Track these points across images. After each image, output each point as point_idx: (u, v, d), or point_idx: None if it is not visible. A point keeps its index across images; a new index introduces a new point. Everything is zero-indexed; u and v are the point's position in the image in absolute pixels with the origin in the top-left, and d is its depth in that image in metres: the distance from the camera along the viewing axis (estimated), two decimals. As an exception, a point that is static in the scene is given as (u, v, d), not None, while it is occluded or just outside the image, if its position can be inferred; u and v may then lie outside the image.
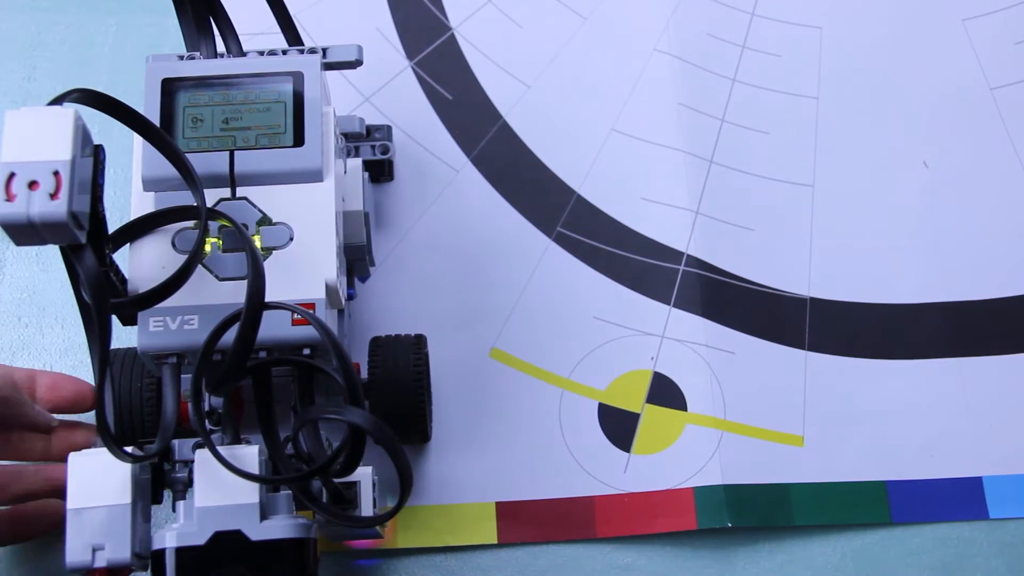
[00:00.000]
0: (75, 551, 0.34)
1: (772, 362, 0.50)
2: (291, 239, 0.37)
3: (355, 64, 0.44)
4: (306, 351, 0.37)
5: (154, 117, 0.38)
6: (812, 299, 0.51)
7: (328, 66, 0.43)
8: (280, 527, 0.35)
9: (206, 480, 0.35)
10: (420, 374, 0.43)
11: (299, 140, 0.38)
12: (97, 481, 0.35)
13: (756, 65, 0.56)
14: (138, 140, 0.37)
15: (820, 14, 0.57)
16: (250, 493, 0.35)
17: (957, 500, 0.48)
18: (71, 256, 0.32)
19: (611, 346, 0.50)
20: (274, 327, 0.36)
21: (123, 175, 0.38)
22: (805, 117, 0.55)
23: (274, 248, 0.37)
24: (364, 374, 0.43)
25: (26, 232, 0.30)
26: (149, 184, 0.38)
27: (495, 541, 0.46)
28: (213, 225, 0.37)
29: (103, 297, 0.31)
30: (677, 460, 0.47)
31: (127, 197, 0.39)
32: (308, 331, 0.36)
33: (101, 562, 0.34)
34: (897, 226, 0.53)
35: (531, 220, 0.52)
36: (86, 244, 0.31)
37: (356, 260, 0.45)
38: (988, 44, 0.56)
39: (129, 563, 0.35)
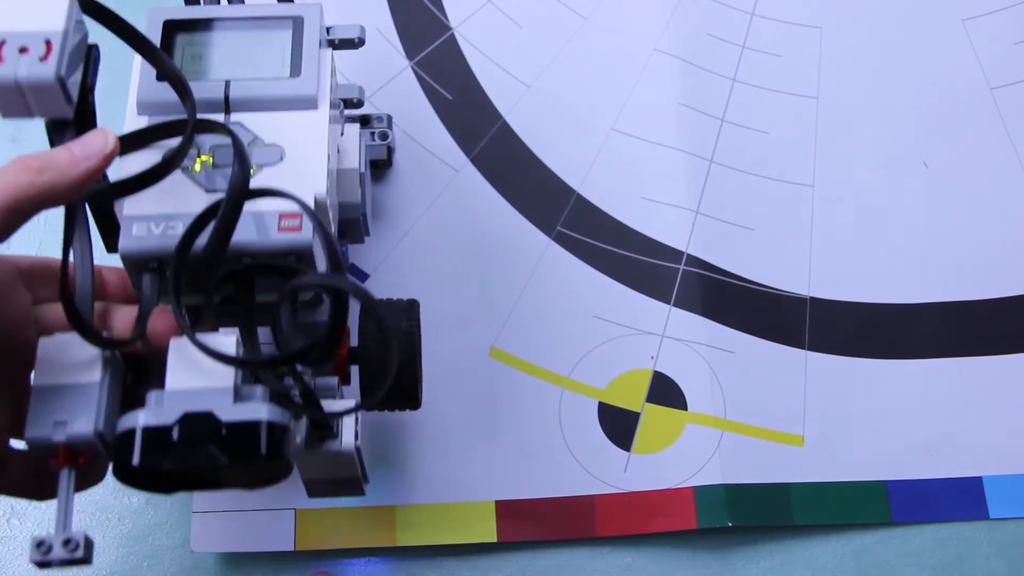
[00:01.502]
0: (36, 425, 0.32)
1: (772, 362, 0.50)
2: (282, 158, 0.37)
3: (358, 43, 0.44)
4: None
5: None
6: (812, 299, 0.51)
7: (330, 44, 0.44)
8: (254, 409, 0.32)
9: (179, 365, 0.33)
10: (413, 337, 0.41)
11: (296, 71, 0.39)
12: (66, 361, 0.33)
13: (756, 65, 0.56)
14: (136, 65, 0.38)
15: (820, 14, 0.57)
16: (224, 377, 0.33)
17: (957, 500, 0.48)
18: (55, 134, 0.31)
19: (611, 345, 0.50)
20: (260, 232, 0.35)
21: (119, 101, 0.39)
22: (805, 117, 0.55)
23: (264, 165, 0.37)
24: (354, 340, 0.42)
25: (13, 97, 0.30)
26: (144, 107, 0.38)
27: (494, 540, 0.46)
28: (205, 146, 0.37)
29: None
30: (677, 459, 0.47)
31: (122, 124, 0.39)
32: (294, 237, 0.35)
33: (61, 436, 0.32)
34: (897, 226, 0.53)
35: (531, 220, 0.52)
36: (71, 122, 0.31)
37: (350, 225, 0.45)
38: (988, 44, 0.56)
39: (91, 440, 0.32)
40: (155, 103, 0.38)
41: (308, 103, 0.38)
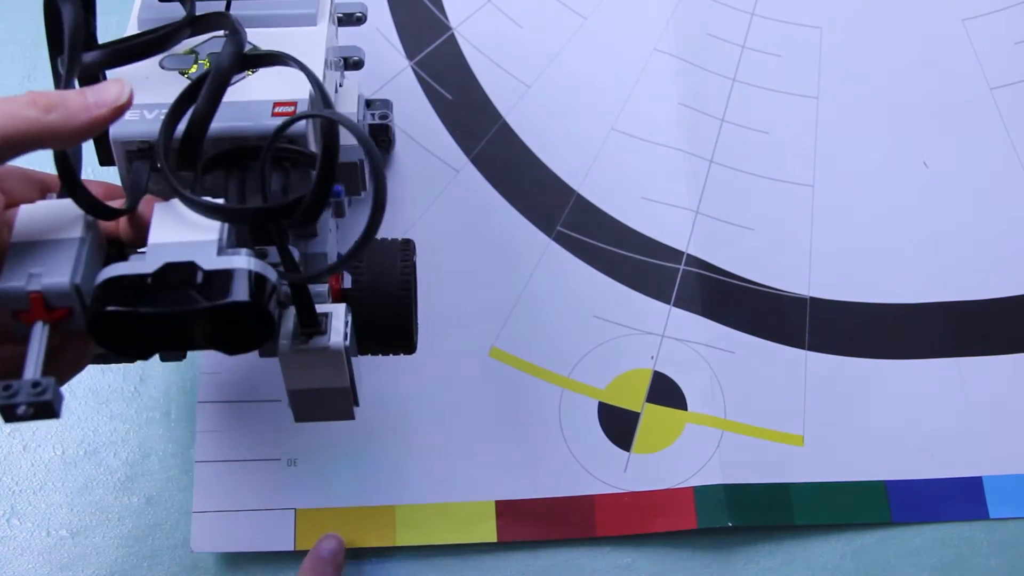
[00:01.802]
0: (10, 276, 0.30)
1: (772, 362, 0.50)
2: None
3: (358, 20, 0.45)
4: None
5: None
6: (812, 299, 0.51)
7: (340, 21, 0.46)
8: (237, 260, 0.31)
9: (164, 224, 0.32)
10: (408, 278, 0.40)
11: None
12: (47, 221, 0.32)
13: (756, 65, 0.56)
14: None
15: (820, 14, 0.57)
16: (209, 231, 0.32)
17: (957, 500, 0.48)
18: (57, 2, 0.31)
19: (611, 345, 0.50)
20: (252, 117, 0.35)
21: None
22: (805, 117, 0.55)
23: (260, 70, 0.38)
24: (348, 281, 0.40)
25: None
26: (145, 24, 0.39)
27: (495, 540, 0.46)
28: (203, 52, 0.38)
29: (76, 42, 0.31)
30: (677, 459, 0.47)
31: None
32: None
33: (36, 285, 0.30)
34: (897, 226, 0.53)
35: (531, 220, 0.52)
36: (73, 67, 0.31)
37: (348, 170, 0.43)
38: (988, 44, 0.56)
39: (67, 290, 0.30)
40: (157, 20, 0.38)
41: (307, 20, 0.40)
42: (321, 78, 0.37)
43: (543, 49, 0.56)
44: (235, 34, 0.34)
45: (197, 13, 0.37)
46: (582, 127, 0.54)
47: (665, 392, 0.49)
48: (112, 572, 0.46)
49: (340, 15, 0.45)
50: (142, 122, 0.35)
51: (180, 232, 0.31)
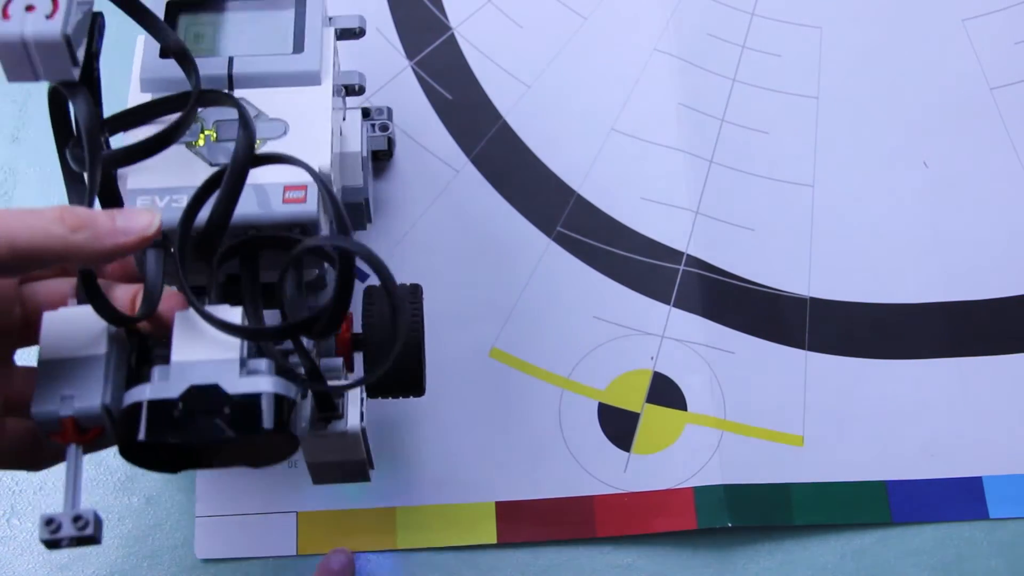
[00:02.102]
0: (43, 400, 0.32)
1: (772, 362, 0.50)
2: (285, 132, 0.37)
3: (358, 33, 0.45)
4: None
5: None
6: (812, 299, 0.51)
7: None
8: (260, 382, 0.31)
9: (185, 337, 0.33)
10: (417, 323, 0.41)
11: (299, 48, 0.39)
12: (72, 335, 0.33)
13: (756, 65, 0.56)
14: (139, 43, 0.38)
15: (820, 14, 0.57)
16: (230, 349, 0.32)
17: (957, 500, 0.48)
18: (64, 95, 0.31)
19: (611, 346, 0.50)
20: (263, 204, 0.35)
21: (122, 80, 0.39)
22: (805, 117, 0.55)
23: (268, 139, 0.37)
24: (358, 326, 0.41)
25: (19, 56, 0.29)
26: (147, 84, 0.38)
27: (495, 541, 0.46)
28: (208, 120, 0.37)
29: (95, 136, 0.31)
30: (677, 460, 0.48)
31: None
32: (299, 209, 0.35)
33: (69, 410, 0.31)
34: (897, 226, 0.53)
35: (531, 220, 0.52)
36: (81, 84, 0.31)
37: (353, 208, 0.45)
38: (988, 44, 0.56)
39: (99, 413, 0.32)
40: (159, 80, 0.38)
41: (311, 79, 0.39)
42: (329, 139, 0.37)
43: (543, 49, 0.56)
44: (247, 129, 0.33)
45: (201, 84, 0.36)
46: (582, 127, 0.54)
47: (665, 392, 0.49)
48: (112, 572, 0.46)
49: (338, 30, 0.44)
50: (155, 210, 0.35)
51: (202, 349, 0.32)
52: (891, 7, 0.57)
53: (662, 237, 0.52)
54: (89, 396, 0.32)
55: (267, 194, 0.35)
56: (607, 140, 0.54)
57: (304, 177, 0.35)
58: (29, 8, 0.30)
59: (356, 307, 0.42)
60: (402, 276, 0.50)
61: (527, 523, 0.47)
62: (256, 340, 0.33)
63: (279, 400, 0.31)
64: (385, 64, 0.55)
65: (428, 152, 0.53)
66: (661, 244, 0.51)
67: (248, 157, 0.33)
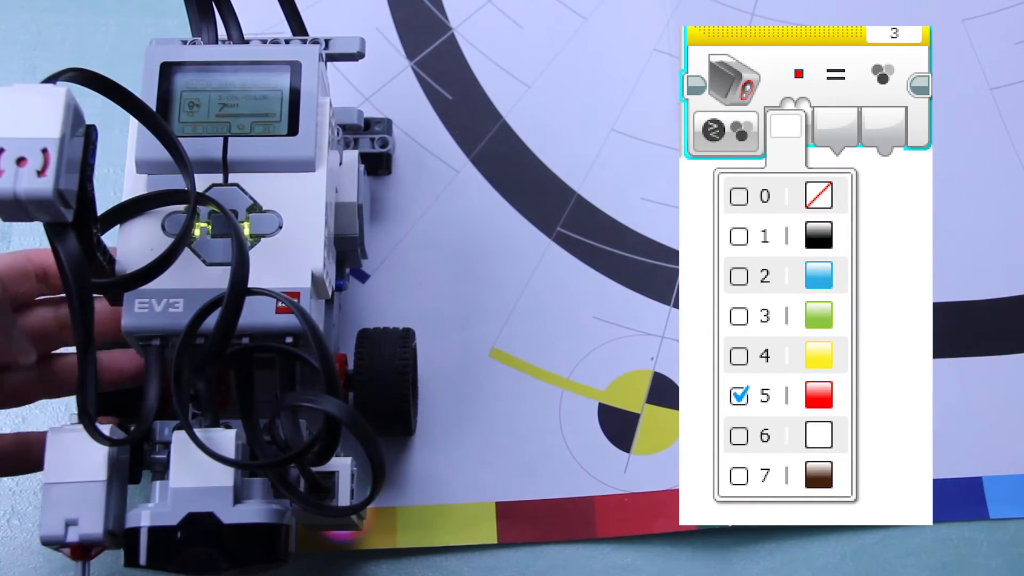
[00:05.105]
0: (49, 525, 0.35)
1: (772, 362, 0.50)
2: (280, 227, 0.38)
3: (357, 56, 0.45)
4: (289, 341, 0.37)
5: (151, 100, 0.39)
6: (812, 299, 0.51)
7: (330, 57, 0.44)
8: (253, 511, 0.35)
9: (182, 462, 0.35)
10: (405, 367, 0.43)
11: (293, 129, 0.39)
12: (74, 457, 0.35)
13: (756, 65, 0.56)
14: (134, 121, 0.38)
15: (820, 14, 0.57)
16: (225, 476, 0.35)
17: (957, 500, 0.48)
18: (53, 236, 0.31)
19: (611, 346, 0.50)
20: (257, 314, 0.36)
21: (121, 151, 0.39)
22: (805, 117, 0.55)
23: (263, 235, 0.38)
24: (351, 365, 0.44)
25: (12, 207, 0.30)
26: (142, 166, 0.38)
27: (495, 541, 0.46)
28: (203, 210, 0.38)
29: (82, 279, 0.32)
30: (677, 460, 0.47)
31: (123, 177, 0.39)
32: (291, 319, 0.36)
33: (73, 537, 0.35)
34: (897, 226, 0.53)
35: (531, 220, 0.52)
36: (69, 225, 0.31)
37: (348, 252, 0.45)
38: (988, 44, 0.56)
39: (101, 539, 0.35)
40: (154, 161, 0.38)
41: (306, 165, 0.39)
42: (322, 237, 0.38)
43: (543, 49, 0.56)
44: (241, 253, 0.34)
45: (196, 178, 0.36)
46: (582, 127, 0.54)
47: (665, 393, 0.49)
48: (112, 572, 0.46)
49: (336, 53, 0.44)
50: (151, 316, 0.36)
51: (198, 475, 0.35)
52: (891, 7, 0.57)
53: (662, 237, 0.52)
54: (92, 523, 0.35)
55: (260, 304, 0.36)
56: (607, 140, 0.54)
57: (296, 282, 0.37)
58: (20, 161, 0.30)
59: (348, 348, 0.45)
60: (402, 276, 0.51)
61: (527, 523, 0.47)
62: (251, 468, 0.36)
63: (272, 529, 0.35)
64: (385, 64, 0.55)
65: (428, 152, 0.53)
66: (661, 244, 0.51)
67: (242, 292, 0.33)
